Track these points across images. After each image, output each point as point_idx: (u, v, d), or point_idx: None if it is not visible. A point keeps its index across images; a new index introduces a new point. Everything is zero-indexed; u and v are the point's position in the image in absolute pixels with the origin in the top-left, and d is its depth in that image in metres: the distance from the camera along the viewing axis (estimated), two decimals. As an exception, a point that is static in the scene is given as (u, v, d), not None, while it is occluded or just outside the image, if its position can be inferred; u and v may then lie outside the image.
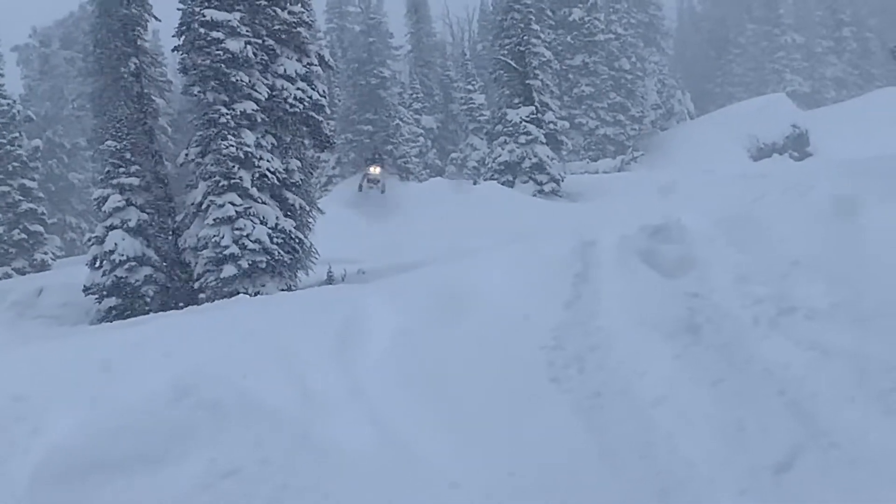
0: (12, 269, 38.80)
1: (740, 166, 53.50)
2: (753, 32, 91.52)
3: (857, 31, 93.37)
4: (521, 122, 42.41)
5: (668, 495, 7.36)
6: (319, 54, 27.66)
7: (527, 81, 43.00)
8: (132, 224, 25.47)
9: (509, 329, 11.62)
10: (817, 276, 10.87)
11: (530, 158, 41.78)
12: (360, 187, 34.15)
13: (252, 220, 24.30)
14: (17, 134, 41.67)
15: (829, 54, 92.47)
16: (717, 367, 9.42)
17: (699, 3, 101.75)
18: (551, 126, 43.48)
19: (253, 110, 25.03)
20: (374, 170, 31.28)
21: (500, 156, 42.42)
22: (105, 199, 25.70)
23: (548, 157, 41.93)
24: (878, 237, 11.29)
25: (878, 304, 9.52)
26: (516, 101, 43.06)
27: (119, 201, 25.54)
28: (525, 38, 42.96)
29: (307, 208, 26.70)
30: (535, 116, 42.79)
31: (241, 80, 24.87)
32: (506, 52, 43.24)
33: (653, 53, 73.63)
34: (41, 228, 41.52)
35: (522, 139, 42.18)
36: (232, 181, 24.32)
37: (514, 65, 42.94)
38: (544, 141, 42.47)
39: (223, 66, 24.74)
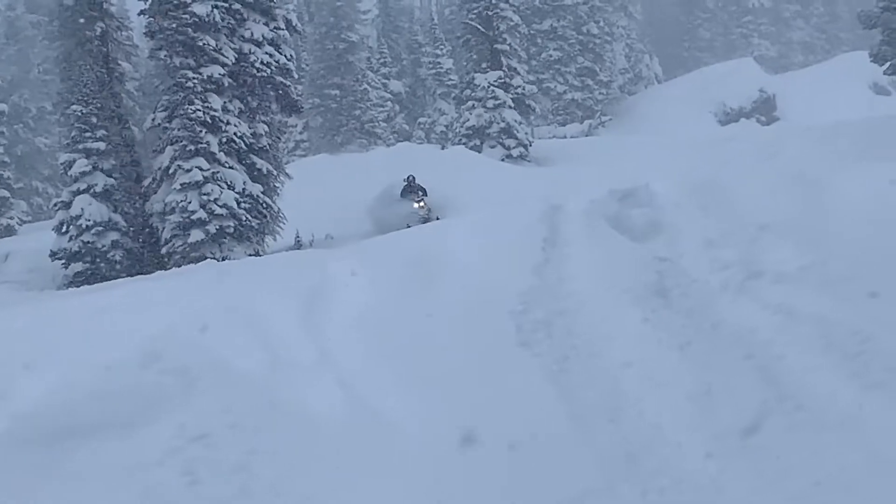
0: (-22, 235, 38.50)
1: (708, 130, 53.73)
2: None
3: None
4: (489, 87, 42.27)
5: (636, 459, 7.40)
6: (287, 18, 27.50)
7: (495, 46, 42.87)
8: (99, 189, 25.39)
9: (478, 294, 11.70)
10: (785, 240, 10.98)
11: (498, 123, 41.69)
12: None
13: (219, 185, 24.31)
14: (-18, 98, 41.22)
15: (796, 18, 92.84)
16: (685, 330, 9.53)
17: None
18: (519, 91, 43.35)
19: (220, 74, 24.96)
20: (419, 204, 29.52)
21: (467, 120, 42.32)
22: (71, 163, 25.59)
23: (516, 121, 41.85)
24: (845, 202, 11.41)
25: (845, 268, 9.64)
26: (484, 65, 42.94)
27: (85, 166, 25.45)
28: (493, 2, 42.75)
29: (275, 173, 26.70)
30: (503, 81, 42.65)
31: (208, 45, 24.78)
32: (474, 16, 43.05)
33: (621, 18, 73.46)
34: (7, 193, 41.47)
35: (490, 104, 42.05)
36: (199, 146, 24.31)
37: (482, 29, 42.81)
38: (512, 105, 42.37)
39: (190, 29, 24.63)
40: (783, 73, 77.86)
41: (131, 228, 26.10)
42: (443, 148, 41.90)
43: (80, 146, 25.61)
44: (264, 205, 25.58)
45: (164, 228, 24.77)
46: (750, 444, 7.22)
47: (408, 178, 29.47)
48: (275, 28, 26.73)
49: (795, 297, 9.49)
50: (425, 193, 29.31)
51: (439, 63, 61.75)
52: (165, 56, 25.02)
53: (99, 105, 25.99)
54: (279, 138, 28.64)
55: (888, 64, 35.56)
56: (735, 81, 67.00)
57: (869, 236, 10.16)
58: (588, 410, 8.36)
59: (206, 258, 22.02)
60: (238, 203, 24.54)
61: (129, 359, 8.88)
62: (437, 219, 25.70)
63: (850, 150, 19.37)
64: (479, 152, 39.62)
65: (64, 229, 25.46)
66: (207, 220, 24.02)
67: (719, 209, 13.07)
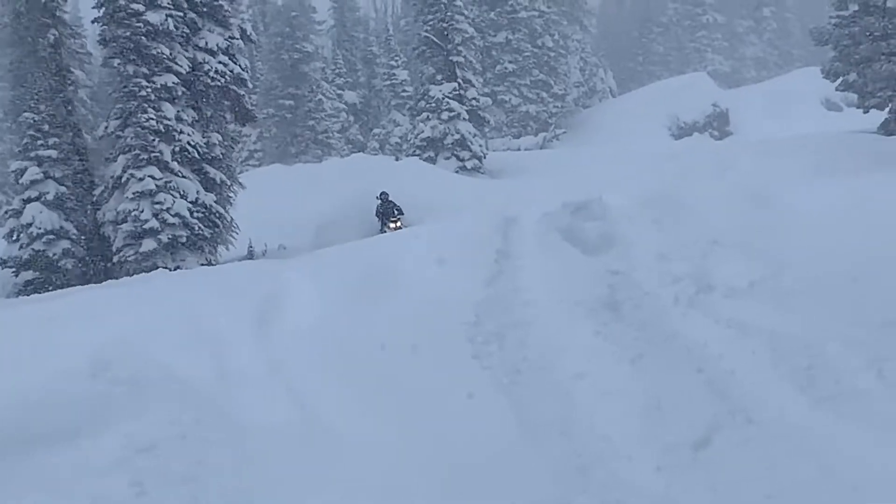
0: (-73, 243, 38.02)
1: (662, 144, 54.07)
2: (675, 12, 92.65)
3: (777, 12, 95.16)
4: (443, 99, 42.36)
5: (587, 472, 7.43)
6: (241, 28, 27.44)
7: (450, 58, 42.96)
8: (50, 197, 25.04)
9: (431, 306, 11.71)
10: (736, 255, 11.15)
11: (452, 135, 41.77)
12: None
13: (172, 194, 24.15)
14: (-66, 105, 40.84)
15: (749, 34, 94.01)
16: (636, 344, 9.60)
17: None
18: (474, 103, 43.51)
19: (174, 83, 24.83)
20: (395, 226, 27.78)
21: (422, 132, 42.39)
22: (23, 171, 25.25)
23: (470, 133, 41.94)
24: (796, 217, 11.67)
25: (796, 282, 9.89)
26: (439, 77, 43.00)
27: (37, 174, 25.09)
28: (448, 14, 42.90)
29: (228, 182, 26.55)
30: (457, 93, 42.78)
31: (162, 53, 24.63)
32: (429, 28, 43.14)
33: (576, 31, 74.01)
34: (-43, 201, 40.85)
35: (445, 115, 42.14)
36: (152, 154, 24.13)
37: (438, 41, 42.88)
38: (467, 117, 42.48)
39: (143, 38, 24.48)
40: (736, 87, 78.73)
41: (83, 237, 25.82)
42: (397, 159, 41.83)
43: (32, 154, 25.28)
44: (217, 214, 25.44)
45: (115, 237, 24.54)
46: (701, 457, 7.27)
47: (381, 195, 28.69)
48: (229, 37, 26.64)
49: (746, 311, 9.62)
50: (401, 212, 28.39)
51: (394, 74, 61.73)
52: (119, 64, 24.80)
53: (51, 113, 25.66)
54: (233, 148, 28.52)
55: (840, 80, 35.93)
56: (689, 96, 67.60)
57: (819, 252, 10.34)
58: (540, 423, 8.39)
59: (157, 267, 21.86)
60: (191, 212, 24.40)
61: (78, 368, 8.84)
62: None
63: (802, 165, 19.59)
64: (434, 164, 39.65)
65: (14, 237, 25.14)
66: (160, 229, 23.84)
67: (672, 223, 13.15)
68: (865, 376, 7.61)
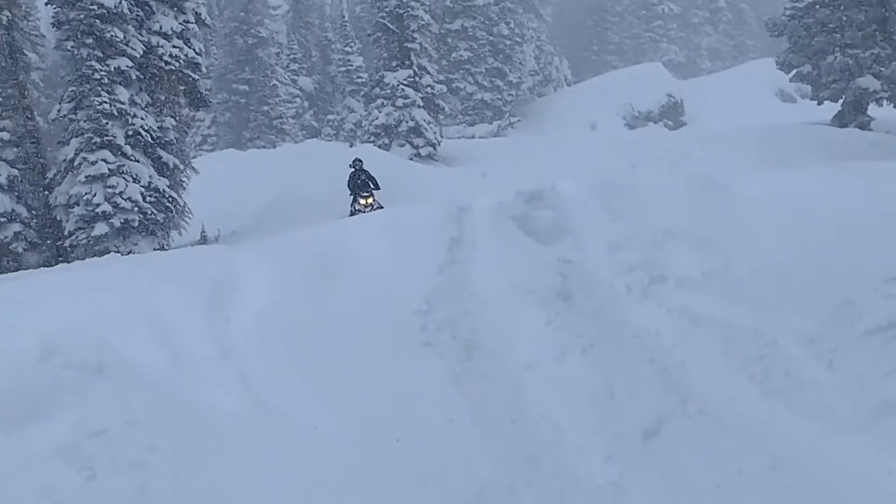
0: None
1: (616, 134, 54.37)
2: (631, 1, 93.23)
3: (733, 3, 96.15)
4: (398, 86, 42.44)
5: (536, 461, 7.47)
6: (196, 12, 27.27)
7: (405, 44, 42.98)
8: (2, 180, 24.84)
9: (383, 293, 11.71)
10: (689, 245, 11.17)
11: (407, 122, 41.87)
12: (353, 212, 26.49)
13: (125, 178, 24.08)
14: None
15: (704, 25, 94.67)
16: (588, 333, 9.63)
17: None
18: (429, 90, 43.60)
19: (127, 67, 24.70)
20: (366, 202, 26.31)
21: (377, 118, 42.45)
22: (-27, 153, 25.08)
23: (425, 120, 42.05)
24: (749, 208, 11.65)
25: (748, 273, 9.92)
26: (394, 63, 43.05)
27: (-12, 156, 25.00)
28: (404, 0, 42.92)
29: (181, 167, 26.45)
30: (412, 80, 42.86)
31: (116, 36, 24.48)
32: (385, 14, 43.10)
33: (531, 20, 74.34)
34: None
35: (400, 102, 42.23)
36: (105, 138, 24.06)
37: (393, 27, 42.86)
38: (421, 105, 42.60)
39: (97, 21, 24.30)
40: (691, 78, 79.38)
41: (34, 220, 25.71)
42: (351, 146, 41.78)
43: (-17, 136, 25.11)
44: (170, 199, 25.39)
45: (67, 221, 24.44)
46: (651, 446, 7.33)
47: (354, 162, 27.45)
48: (184, 21, 26.55)
49: (698, 301, 9.67)
50: (376, 186, 26.98)
51: (349, 60, 61.75)
52: (72, 47, 24.64)
53: (3, 95, 25.51)
54: (186, 132, 28.39)
55: (794, 71, 36.37)
56: (643, 86, 68.05)
57: (770, 242, 10.39)
58: (490, 411, 8.42)
59: (110, 252, 21.72)
60: (143, 197, 24.35)
61: (27, 353, 8.65)
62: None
63: (756, 155, 19.77)
64: (388, 151, 39.70)
65: (-36, 220, 24.92)
66: (112, 213, 23.79)
67: (625, 213, 13.19)
68: (815, 367, 7.68)
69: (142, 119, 24.81)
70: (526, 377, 8.88)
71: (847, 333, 8.06)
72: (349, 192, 26.93)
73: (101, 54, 24.48)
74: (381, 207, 24.83)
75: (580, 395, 8.30)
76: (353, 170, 27.05)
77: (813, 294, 8.93)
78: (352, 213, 25.59)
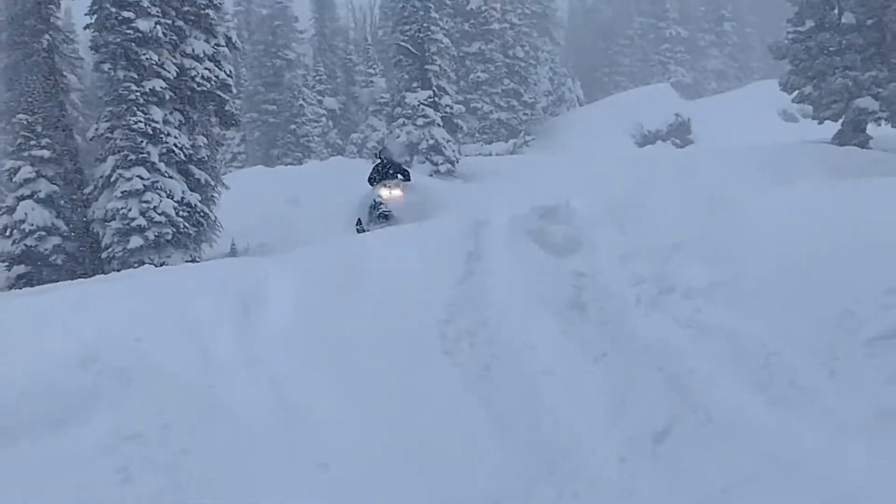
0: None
1: (626, 151, 54.61)
2: (640, 25, 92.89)
3: (738, 27, 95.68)
4: (419, 106, 42.87)
5: (553, 463, 7.72)
6: (227, 36, 27.97)
7: (425, 67, 43.31)
8: (42, 195, 25.65)
9: (405, 303, 12.03)
10: (696, 258, 11.23)
11: (427, 140, 42.19)
12: (373, 205, 21.23)
13: (159, 194, 24.70)
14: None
15: (711, 47, 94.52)
16: (601, 342, 9.84)
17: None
18: (448, 110, 43.97)
19: (161, 88, 25.34)
20: (390, 192, 20.80)
21: (398, 137, 42.76)
22: (16, 170, 25.83)
23: (444, 139, 42.34)
24: (754, 222, 11.42)
25: (754, 285, 9.80)
26: (415, 85, 43.41)
27: (30, 173, 25.70)
28: (424, 25, 43.23)
29: (212, 183, 27.08)
30: (432, 100, 43.29)
31: (151, 59, 25.18)
32: (406, 38, 43.46)
33: (545, 43, 74.58)
34: (-49, 198, 40.91)
35: (420, 121, 42.68)
36: (140, 156, 24.68)
37: (414, 50, 43.23)
38: (441, 124, 42.93)
39: (133, 44, 25.05)
40: (698, 98, 79.37)
41: (73, 234, 26.30)
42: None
43: (25, 154, 25.86)
44: (202, 213, 25.94)
45: (104, 234, 25.06)
46: (660, 451, 7.56)
47: (380, 152, 23.05)
48: (215, 45, 27.16)
49: (706, 311, 9.82)
50: (406, 177, 21.93)
51: (372, 82, 62.17)
52: (109, 69, 25.35)
53: (44, 115, 26.24)
54: (217, 150, 28.92)
55: (796, 92, 36.78)
56: (652, 106, 67.92)
57: (776, 255, 10.38)
58: (508, 416, 8.66)
59: (144, 263, 21.85)
60: (176, 211, 24.91)
61: (66, 359, 9.00)
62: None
63: (760, 172, 19.80)
64: (409, 167, 40.04)
65: (7, 233, 25.71)
66: (147, 226, 24.35)
67: (635, 227, 13.34)
68: (818, 374, 7.74)
69: (175, 137, 25.45)
70: (542, 384, 9.01)
71: (848, 342, 8.08)
72: (371, 188, 21.83)
73: (136, 76, 25.18)
74: (410, 205, 20.77)
75: (594, 401, 8.47)
76: (378, 161, 22.36)
77: (815, 305, 8.94)
78: (372, 208, 21.01)
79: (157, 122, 25.12)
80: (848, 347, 8.09)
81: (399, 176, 21.66)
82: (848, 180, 14.14)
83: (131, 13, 25.13)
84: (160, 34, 25.39)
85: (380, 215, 20.28)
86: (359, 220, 20.41)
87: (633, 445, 7.73)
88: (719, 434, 7.51)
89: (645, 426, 7.92)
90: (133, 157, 24.73)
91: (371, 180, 21.63)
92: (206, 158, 27.02)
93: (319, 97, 65.03)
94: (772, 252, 10.58)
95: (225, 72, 27.27)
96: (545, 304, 11.15)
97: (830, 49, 34.27)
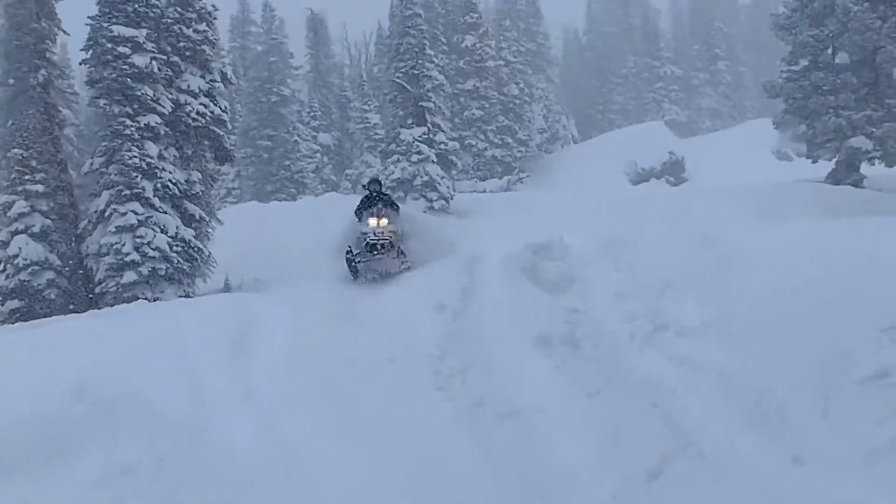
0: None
1: (620, 189, 54.63)
2: (635, 64, 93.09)
3: (732, 66, 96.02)
4: (413, 142, 42.86)
5: (546, 500, 7.85)
6: (222, 71, 27.91)
7: (420, 103, 43.29)
8: (36, 229, 25.62)
9: (399, 338, 12.15)
10: (689, 296, 11.32)
11: (422, 176, 42.15)
12: (360, 237, 19.98)
13: (153, 229, 24.58)
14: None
15: (705, 86, 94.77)
16: (594, 379, 9.92)
17: (584, 34, 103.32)
18: (442, 146, 43.91)
19: (157, 123, 25.29)
20: (378, 222, 19.52)
21: (392, 173, 42.59)
22: (10, 204, 25.80)
23: (438, 175, 42.27)
24: (746, 260, 11.87)
25: (746, 322, 10.12)
26: (410, 121, 43.41)
27: (24, 207, 25.68)
28: (419, 62, 43.25)
29: (207, 218, 26.96)
30: (427, 137, 43.31)
31: (146, 94, 25.13)
32: (401, 74, 43.46)
33: (540, 80, 75.03)
34: (-55, 232, 40.80)
35: (415, 158, 42.64)
36: (134, 190, 24.60)
37: (409, 87, 43.24)
38: (435, 160, 42.88)
39: (129, 79, 25.02)
40: (692, 136, 79.47)
41: (67, 268, 26.20)
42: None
43: (20, 188, 25.81)
44: (196, 248, 25.79)
45: (98, 269, 24.90)
46: (654, 487, 7.70)
47: (369, 183, 21.43)
48: (210, 80, 27.14)
49: (698, 349, 9.88)
50: (394, 208, 20.68)
51: (367, 118, 62.05)
52: (105, 104, 25.29)
53: (39, 149, 26.18)
54: (212, 185, 28.77)
55: (790, 131, 36.82)
56: (646, 143, 67.99)
57: (768, 293, 10.59)
58: (502, 452, 8.69)
59: (138, 298, 22.05)
60: (170, 246, 24.78)
61: (59, 393, 9.17)
62: (406, 264, 19.15)
63: (753, 211, 19.79)
64: (403, 204, 40.03)
65: (1, 268, 25.63)
66: (140, 262, 24.22)
67: (628, 264, 13.41)
68: (810, 413, 7.92)
69: (170, 173, 25.35)
70: (535, 420, 9.18)
71: (840, 382, 8.23)
72: (357, 220, 20.66)
73: (131, 111, 25.11)
74: (398, 236, 19.86)
75: (587, 437, 8.59)
76: (367, 192, 21.11)
77: (808, 343, 9.08)
78: (360, 238, 19.77)
79: (151, 157, 25.04)
80: (840, 387, 8.15)
81: (388, 207, 20.50)
82: (841, 219, 14.16)
83: (127, 49, 25.11)
84: (156, 69, 25.35)
85: (368, 245, 19.43)
86: (349, 248, 19.64)
87: (626, 483, 7.80)
88: (712, 471, 7.56)
89: (638, 463, 7.97)
90: (127, 192, 24.63)
91: (358, 210, 20.64)
92: (201, 194, 26.89)
93: (314, 133, 65.24)
94: (764, 290, 10.74)
95: (220, 107, 27.21)
96: (539, 339, 11.33)
97: (824, 88, 34.30)
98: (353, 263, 19.54)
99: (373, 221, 19.65)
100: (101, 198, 25.24)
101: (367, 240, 19.47)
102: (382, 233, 19.41)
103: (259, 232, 31.07)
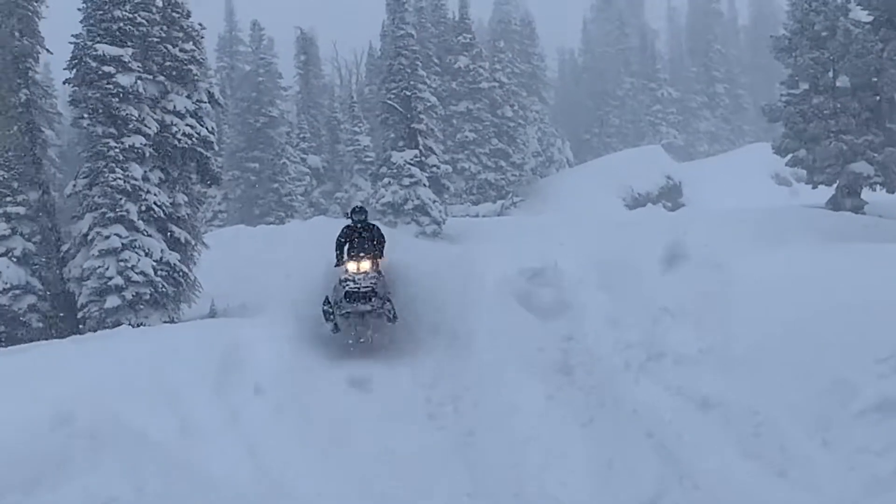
0: None
1: (616, 214, 54.59)
2: (631, 86, 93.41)
3: (730, 88, 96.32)
4: (405, 165, 42.88)
5: None
6: (209, 92, 27.67)
7: (412, 125, 43.41)
8: (17, 253, 25.25)
9: (387, 366, 12.04)
10: (685, 322, 11.35)
11: (413, 200, 42.22)
12: (339, 284, 16.76)
13: (137, 253, 24.29)
14: None
15: (702, 109, 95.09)
16: (588, 407, 9.90)
17: (580, 55, 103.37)
18: (434, 169, 44.03)
19: (142, 144, 24.98)
20: (358, 267, 16.70)
21: (383, 197, 42.75)
22: (-9, 227, 25.35)
23: (430, 199, 42.37)
24: (744, 287, 11.78)
25: (743, 350, 10.12)
26: (401, 143, 43.50)
27: (5, 230, 25.32)
28: (411, 83, 43.37)
29: (192, 242, 26.65)
30: (418, 159, 43.36)
31: (131, 115, 24.85)
32: (392, 96, 43.58)
33: (534, 102, 75.04)
34: (-74, 255, 40.57)
35: (406, 181, 42.65)
36: (118, 213, 24.31)
37: (400, 109, 43.33)
38: (427, 184, 42.98)
39: (113, 99, 24.75)
40: (690, 160, 79.66)
41: (48, 293, 25.88)
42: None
43: (1, 210, 25.45)
44: (181, 273, 25.51)
45: (80, 293, 24.63)
46: None
47: (353, 212, 18.51)
48: (197, 101, 26.88)
49: (695, 378, 9.87)
50: (380, 243, 17.50)
51: (357, 140, 62.08)
52: (88, 124, 25.05)
53: (20, 171, 25.86)
54: (198, 208, 28.53)
55: (790, 156, 36.69)
56: (643, 167, 68.28)
57: (766, 320, 10.53)
58: (493, 484, 8.68)
59: (121, 324, 21.76)
60: (155, 270, 24.52)
61: (38, 421, 9.01)
62: (391, 314, 15.98)
63: (752, 236, 19.90)
64: (394, 228, 39.93)
65: (-20, 292, 25.09)
66: (124, 286, 23.96)
67: (623, 290, 13.37)
68: (809, 444, 7.91)
69: (155, 195, 25.04)
70: (527, 449, 9.14)
71: (840, 412, 8.25)
72: (336, 256, 17.62)
73: (115, 132, 24.83)
74: (382, 282, 16.52)
75: (579, 468, 8.57)
76: (350, 221, 18.33)
77: (807, 372, 9.09)
78: (339, 285, 16.52)
79: (136, 179, 24.76)
80: (841, 417, 8.21)
81: (373, 244, 17.26)
82: (839, 245, 13.99)
83: (112, 68, 24.83)
84: (141, 90, 25.10)
85: (346, 295, 16.14)
86: (326, 298, 16.44)
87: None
88: (708, 502, 7.71)
89: (632, 494, 8.04)
90: (111, 214, 24.34)
91: (338, 248, 17.55)
92: (187, 217, 26.61)
93: (303, 155, 65.11)
94: (761, 317, 10.74)
95: (207, 128, 26.97)
96: (531, 367, 11.45)
97: (825, 112, 34.23)
98: (331, 315, 16.20)
99: (352, 266, 16.72)
100: (84, 220, 24.94)
101: (346, 288, 16.27)
102: (363, 278, 16.30)
103: (246, 256, 30.79)
